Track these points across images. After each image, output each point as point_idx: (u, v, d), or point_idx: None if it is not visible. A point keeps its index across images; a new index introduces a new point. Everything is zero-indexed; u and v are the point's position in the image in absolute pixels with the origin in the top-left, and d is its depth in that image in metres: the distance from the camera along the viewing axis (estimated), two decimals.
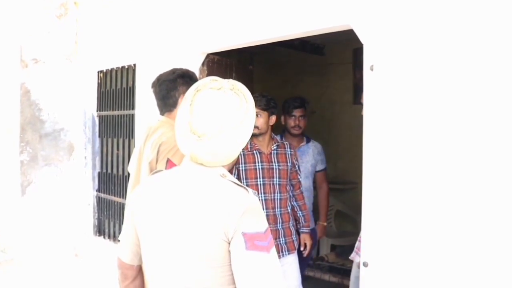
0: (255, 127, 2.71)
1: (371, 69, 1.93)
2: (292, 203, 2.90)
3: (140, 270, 1.50)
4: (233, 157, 1.34)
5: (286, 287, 1.22)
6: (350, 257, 2.41)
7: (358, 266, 2.12)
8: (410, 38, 1.82)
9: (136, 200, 1.41)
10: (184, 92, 2.20)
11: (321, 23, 2.14)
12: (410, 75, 1.81)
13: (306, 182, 3.17)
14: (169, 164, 2.01)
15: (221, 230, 1.20)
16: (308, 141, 3.30)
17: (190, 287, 1.25)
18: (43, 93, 3.98)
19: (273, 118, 2.79)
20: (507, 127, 1.57)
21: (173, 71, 2.23)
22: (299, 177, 2.90)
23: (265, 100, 2.73)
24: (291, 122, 3.20)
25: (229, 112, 1.27)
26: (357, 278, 2.38)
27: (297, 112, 3.18)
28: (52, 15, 4.02)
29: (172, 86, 2.19)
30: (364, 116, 1.97)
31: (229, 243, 1.21)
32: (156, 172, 1.46)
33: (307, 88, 5.31)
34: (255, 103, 2.86)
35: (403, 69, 1.84)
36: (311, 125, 5.02)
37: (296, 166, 2.85)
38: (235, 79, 3.06)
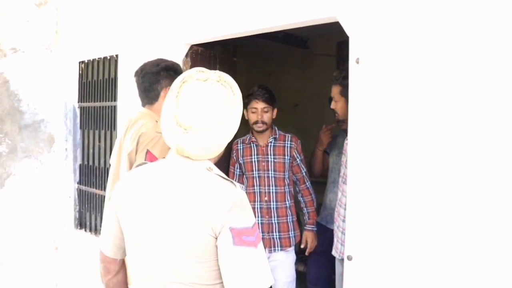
0: (264, 123, 2.70)
1: (357, 62, 1.93)
2: (299, 198, 2.88)
3: (123, 264, 1.49)
4: (220, 150, 1.33)
5: (272, 281, 1.21)
6: (332, 253, 2.41)
7: (340, 263, 2.13)
8: (397, 30, 1.82)
9: (119, 193, 1.39)
10: (166, 86, 2.18)
11: (307, 15, 2.13)
12: (397, 68, 1.82)
13: None
14: (149, 155, 2.00)
15: (208, 225, 1.19)
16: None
17: (175, 282, 1.24)
18: (22, 83, 3.90)
19: (275, 112, 2.79)
20: (495, 122, 1.59)
21: (157, 63, 2.20)
22: (303, 171, 2.83)
23: (269, 95, 2.72)
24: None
25: (216, 105, 1.25)
26: (341, 275, 2.38)
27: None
28: (32, 3, 3.93)
29: (155, 79, 2.17)
30: (350, 110, 1.97)
31: (216, 238, 1.20)
32: (140, 165, 1.43)
33: (290, 81, 5.32)
34: (261, 98, 2.87)
35: (390, 62, 1.84)
36: (294, 118, 5.05)
37: (298, 159, 2.79)
38: (219, 70, 3.04)
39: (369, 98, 1.90)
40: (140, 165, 1.44)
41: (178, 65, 2.28)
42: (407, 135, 1.79)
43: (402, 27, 1.80)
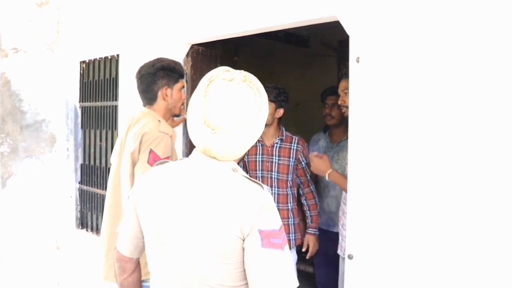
0: None
1: (357, 61, 1.93)
2: (303, 201, 2.86)
3: (138, 264, 1.50)
4: (245, 151, 1.33)
5: (297, 284, 1.21)
6: (338, 252, 2.42)
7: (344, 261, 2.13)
8: (397, 29, 1.82)
9: (140, 192, 1.37)
10: (164, 86, 2.18)
11: (307, 14, 2.12)
12: (397, 67, 1.81)
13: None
14: (152, 155, 2.00)
15: (237, 227, 1.19)
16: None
17: (200, 284, 1.24)
18: (24, 83, 3.90)
19: (281, 111, 2.73)
20: (495, 121, 1.58)
21: (153, 63, 2.21)
22: (307, 175, 2.81)
23: (275, 92, 2.69)
24: (323, 111, 3.06)
25: (245, 107, 1.25)
26: (343, 273, 2.38)
27: (329, 100, 3.03)
28: (33, 3, 3.93)
29: (151, 80, 2.17)
30: (350, 109, 1.97)
31: (243, 240, 1.20)
32: (161, 163, 1.41)
33: (291, 80, 5.32)
34: None
35: (390, 61, 1.83)
36: (295, 118, 5.05)
37: (303, 162, 2.76)
38: None
39: (369, 96, 1.89)
40: (160, 163, 1.42)
41: (176, 63, 2.27)
42: (408, 134, 1.78)
43: (402, 26, 1.80)
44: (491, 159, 1.58)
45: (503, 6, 1.56)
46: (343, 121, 2.96)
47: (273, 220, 1.22)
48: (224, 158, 1.28)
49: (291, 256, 1.29)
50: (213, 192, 1.24)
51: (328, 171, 2.35)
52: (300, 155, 2.76)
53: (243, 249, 1.20)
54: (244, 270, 1.21)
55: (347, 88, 2.28)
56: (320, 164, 2.38)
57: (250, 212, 1.19)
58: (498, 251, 1.57)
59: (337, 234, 2.57)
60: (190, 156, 1.37)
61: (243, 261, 1.21)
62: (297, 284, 1.22)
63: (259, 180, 2.68)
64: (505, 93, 1.55)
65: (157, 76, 2.17)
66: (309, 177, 2.82)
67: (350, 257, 1.96)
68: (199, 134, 1.26)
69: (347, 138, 2.97)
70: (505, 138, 1.55)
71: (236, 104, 1.24)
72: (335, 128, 3.08)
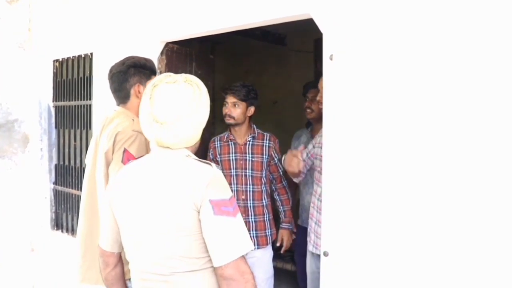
0: (231, 117, 2.70)
1: (331, 58, 1.94)
2: (275, 197, 2.88)
3: (120, 258, 1.62)
4: (195, 139, 1.51)
5: (251, 247, 1.37)
6: (309, 249, 2.43)
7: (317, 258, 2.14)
8: (370, 27, 1.83)
9: (113, 189, 1.54)
10: (136, 83, 2.16)
11: (281, 11, 2.13)
12: (371, 64, 1.83)
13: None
14: (126, 154, 1.98)
15: (191, 201, 1.34)
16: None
17: (168, 257, 1.38)
18: None
19: (252, 109, 2.76)
20: (469, 118, 1.61)
21: (124, 61, 2.18)
22: (280, 170, 2.84)
23: (245, 91, 2.71)
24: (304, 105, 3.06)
25: (184, 101, 1.44)
26: (314, 272, 2.39)
27: (310, 93, 3.02)
28: (3, 0, 3.84)
29: (123, 78, 2.15)
30: (324, 105, 1.98)
31: (199, 212, 1.35)
32: (132, 161, 1.62)
33: (269, 78, 5.32)
34: (235, 93, 2.86)
35: (363, 59, 1.85)
36: (273, 115, 5.06)
37: (276, 158, 2.79)
38: (195, 68, 3.04)
39: (343, 93, 1.91)
40: (132, 161, 1.62)
41: (146, 59, 2.23)
42: (381, 130, 1.81)
43: (376, 24, 1.82)
44: (464, 155, 1.61)
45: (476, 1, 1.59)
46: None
47: (221, 190, 1.38)
48: (176, 146, 1.46)
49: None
50: (169, 176, 1.42)
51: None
52: (273, 151, 2.78)
53: (199, 220, 1.35)
54: (204, 243, 1.36)
55: None
56: (295, 165, 2.37)
57: (200, 186, 1.35)
58: (475, 241, 1.60)
59: None
60: (150, 150, 1.54)
61: (201, 232, 1.36)
62: (252, 247, 1.37)
63: (234, 179, 2.70)
64: (478, 87, 1.58)
65: (128, 73, 2.14)
66: (281, 173, 2.84)
67: (325, 254, 1.97)
68: (150, 129, 1.46)
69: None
70: (476, 129, 1.59)
71: (176, 100, 1.43)
72: (316, 123, 3.09)
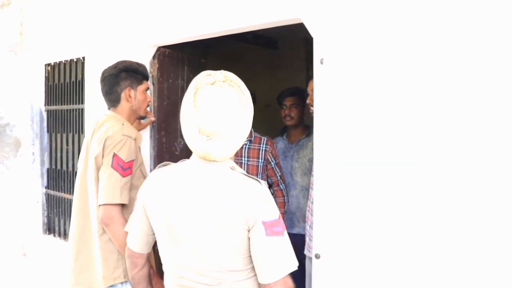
0: None
1: (321, 62, 1.95)
2: None
3: (147, 258, 1.66)
4: (239, 148, 1.46)
5: (297, 265, 1.40)
6: (304, 252, 2.43)
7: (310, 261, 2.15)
8: (360, 31, 1.85)
9: (148, 193, 1.52)
10: (127, 87, 2.17)
11: (272, 16, 2.14)
12: (361, 68, 1.85)
13: (304, 180, 2.98)
14: (115, 159, 1.99)
15: (242, 220, 1.35)
16: (309, 134, 3.06)
17: (214, 270, 1.40)
18: None
19: None
20: (462, 122, 1.63)
21: (115, 65, 2.20)
22: (278, 174, 2.84)
23: None
24: (282, 113, 3.08)
25: (232, 109, 1.37)
26: (310, 274, 2.40)
27: (287, 101, 3.06)
28: None
29: (114, 81, 2.16)
30: (314, 109, 2.00)
31: (249, 231, 1.36)
32: (163, 165, 1.56)
33: (261, 81, 5.33)
34: None
35: (354, 63, 1.86)
36: (266, 119, 5.07)
37: (272, 163, 2.79)
38: (187, 72, 3.03)
39: (333, 97, 1.92)
40: (162, 165, 1.56)
41: (139, 64, 2.25)
42: (372, 133, 1.82)
43: (366, 28, 1.84)
44: (458, 157, 1.63)
45: (470, 5, 1.61)
46: (301, 121, 3.07)
47: (272, 211, 1.39)
48: (222, 159, 1.41)
49: (289, 240, 1.43)
50: (218, 190, 1.39)
51: None
52: (269, 155, 2.78)
53: (249, 238, 1.37)
54: (250, 256, 1.39)
55: None
56: None
57: (252, 205, 1.35)
58: (470, 246, 1.62)
59: (296, 236, 2.61)
60: (190, 159, 1.49)
61: (249, 248, 1.38)
62: (297, 264, 1.40)
63: None
64: (472, 92, 1.60)
65: (120, 77, 2.16)
66: (279, 177, 2.84)
67: (317, 256, 1.98)
68: (196, 143, 1.38)
69: (306, 136, 3.05)
70: (468, 136, 1.61)
71: (225, 110, 1.35)
72: (293, 128, 3.14)
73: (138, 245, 1.59)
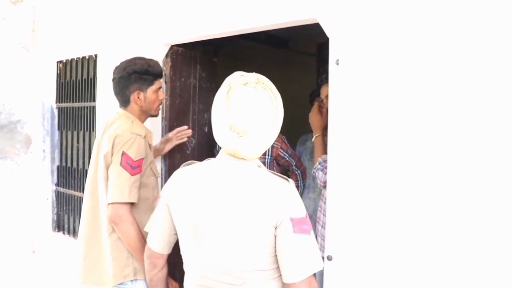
0: None
1: (337, 63, 1.93)
2: None
3: (167, 259, 1.64)
4: (267, 149, 1.46)
5: (323, 265, 1.40)
6: None
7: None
8: (376, 32, 1.83)
9: (172, 191, 1.50)
10: (136, 90, 2.16)
11: (287, 16, 2.12)
12: (377, 69, 1.82)
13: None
14: (124, 157, 1.98)
15: (271, 218, 1.34)
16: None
17: (239, 269, 1.38)
18: None
19: None
20: (476, 124, 1.60)
21: (125, 66, 2.16)
22: (293, 163, 2.90)
23: None
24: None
25: (264, 110, 1.37)
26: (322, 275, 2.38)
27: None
28: (7, 1, 3.85)
29: (124, 84, 2.15)
30: (330, 110, 1.97)
31: (276, 228, 1.36)
32: (188, 164, 1.55)
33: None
34: None
35: (370, 64, 1.84)
36: None
37: (286, 157, 2.85)
38: (199, 71, 3.03)
39: (349, 98, 1.90)
40: (187, 164, 1.55)
41: (149, 64, 2.18)
42: (388, 136, 1.80)
43: (382, 28, 1.81)
44: (472, 161, 1.60)
45: (483, 7, 1.58)
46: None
47: (300, 209, 1.39)
48: (251, 158, 1.42)
49: (315, 239, 1.43)
50: (245, 188, 1.39)
51: (317, 134, 2.46)
52: (280, 151, 2.83)
53: (275, 236, 1.36)
54: (275, 256, 1.38)
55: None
56: (317, 120, 2.47)
57: (280, 203, 1.35)
58: (482, 247, 1.59)
59: None
60: (217, 157, 1.49)
61: (275, 247, 1.37)
62: (323, 265, 1.40)
63: None
64: (481, 92, 1.58)
65: (129, 80, 2.14)
66: (294, 165, 2.91)
67: (329, 258, 1.96)
68: (227, 140, 1.38)
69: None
70: (482, 135, 1.58)
71: (257, 109, 1.36)
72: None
73: (160, 245, 1.57)
